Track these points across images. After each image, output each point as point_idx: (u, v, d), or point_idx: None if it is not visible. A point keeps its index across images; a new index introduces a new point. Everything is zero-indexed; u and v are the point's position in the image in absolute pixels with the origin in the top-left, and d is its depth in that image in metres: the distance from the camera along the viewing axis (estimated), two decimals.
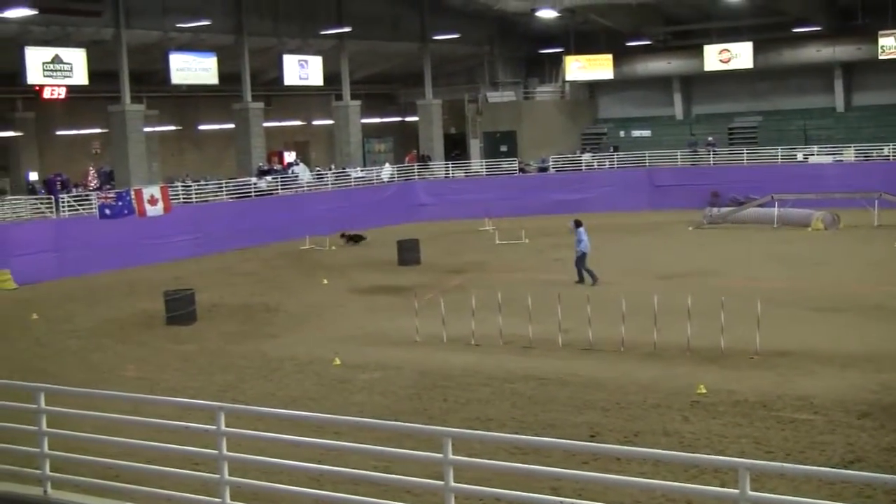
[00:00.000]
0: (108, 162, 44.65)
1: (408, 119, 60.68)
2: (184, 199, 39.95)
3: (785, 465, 9.45)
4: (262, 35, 44.49)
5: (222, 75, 42.72)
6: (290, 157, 53.03)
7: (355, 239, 39.70)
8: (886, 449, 13.72)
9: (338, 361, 20.12)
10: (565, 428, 15.16)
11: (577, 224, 28.46)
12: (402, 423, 13.31)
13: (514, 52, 57.44)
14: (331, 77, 48.27)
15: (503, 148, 54.69)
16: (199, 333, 24.00)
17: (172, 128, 50.49)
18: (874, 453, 13.59)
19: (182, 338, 23.55)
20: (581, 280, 27.97)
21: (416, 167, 51.11)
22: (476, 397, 17.18)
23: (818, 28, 49.65)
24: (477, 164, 53.07)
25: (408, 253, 34.10)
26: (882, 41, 47.04)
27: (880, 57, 47.51)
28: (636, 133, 55.96)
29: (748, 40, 50.26)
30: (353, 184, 47.35)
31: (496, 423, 15.59)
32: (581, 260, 28.20)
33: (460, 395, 17.38)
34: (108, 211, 34.40)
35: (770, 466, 9.50)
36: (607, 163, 51.62)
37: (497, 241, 38.12)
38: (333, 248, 38.51)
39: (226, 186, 42.30)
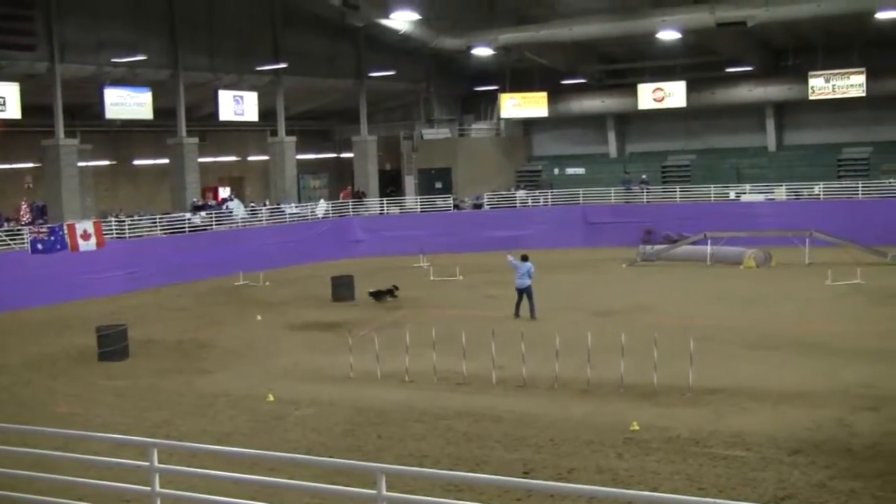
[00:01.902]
0: (40, 196, 44.17)
1: (343, 155, 60.73)
2: (117, 234, 39.57)
3: (717, 500, 9.51)
4: (197, 70, 44.35)
5: (157, 110, 42.51)
6: (224, 192, 52.77)
7: (382, 294, 33.38)
8: (817, 485, 13.85)
9: (271, 397, 19.99)
10: (499, 464, 15.15)
11: (521, 259, 28.89)
12: (336, 460, 13.23)
13: (450, 89, 57.77)
14: (266, 113, 48.22)
15: (438, 185, 54.86)
16: (131, 369, 23.73)
17: (106, 162, 50.11)
18: (805, 489, 13.71)
19: (114, 374, 23.26)
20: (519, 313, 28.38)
21: (350, 203, 51.09)
22: (410, 433, 17.13)
23: (750, 68, 50.51)
24: (412, 200, 53.18)
25: (342, 289, 34.00)
26: (812, 82, 47.94)
27: (810, 97, 48.41)
28: (570, 171, 56.38)
29: (682, 79, 50.99)
30: (287, 220, 47.21)
31: (430, 459, 15.55)
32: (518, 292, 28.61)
33: (394, 431, 17.31)
34: (40, 246, 33.91)
35: (702, 503, 9.56)
36: (542, 200, 51.91)
37: (432, 278, 38.16)
38: (267, 283, 38.29)
39: (160, 222, 41.98)
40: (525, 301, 28.60)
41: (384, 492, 8.86)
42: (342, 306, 32.58)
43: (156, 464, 9.75)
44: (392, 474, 9.50)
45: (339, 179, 59.58)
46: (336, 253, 46.27)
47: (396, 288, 33.52)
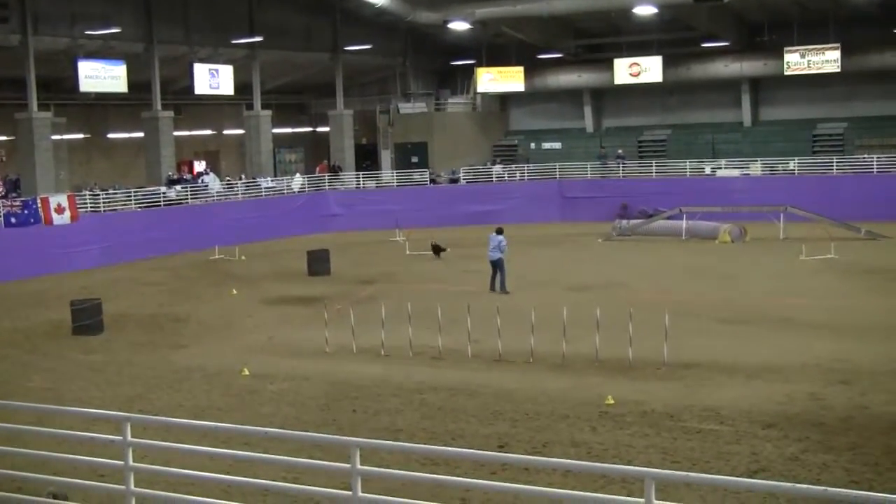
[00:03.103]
0: (14, 170, 43.89)
1: (319, 129, 60.51)
2: (91, 207, 39.38)
3: (690, 474, 9.54)
4: (172, 43, 44.04)
5: (132, 83, 42.19)
6: (200, 166, 52.57)
7: (437, 250, 37.18)
8: (790, 458, 13.96)
9: (246, 372, 19.97)
10: (474, 438, 15.20)
11: (496, 231, 28.89)
12: (311, 434, 13.23)
13: (427, 63, 57.62)
14: (242, 86, 47.94)
15: (414, 159, 54.77)
16: (106, 344, 23.66)
17: (81, 136, 49.76)
18: (778, 462, 13.81)
19: (89, 348, 23.19)
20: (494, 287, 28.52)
21: (326, 177, 50.95)
22: (385, 408, 17.15)
23: (726, 44, 50.48)
24: (388, 174, 53.05)
25: (318, 263, 33.94)
26: (787, 57, 48.01)
27: (786, 73, 48.49)
28: (547, 145, 56.38)
29: (658, 54, 50.92)
30: (263, 194, 47.08)
31: (406, 433, 15.57)
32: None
33: (370, 405, 17.33)
34: (13, 220, 33.81)
35: (675, 476, 9.59)
36: (518, 174, 51.94)
37: (408, 252, 38.13)
38: (243, 257, 38.19)
39: (134, 196, 41.76)
40: (498, 275, 28.65)
41: (358, 466, 8.87)
42: (318, 280, 32.53)
43: (129, 438, 9.72)
44: (366, 448, 9.50)
45: (315, 153, 59.38)
46: (312, 227, 46.18)
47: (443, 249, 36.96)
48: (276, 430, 13.26)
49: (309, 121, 62.41)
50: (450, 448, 13.40)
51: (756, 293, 27.76)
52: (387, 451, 12.60)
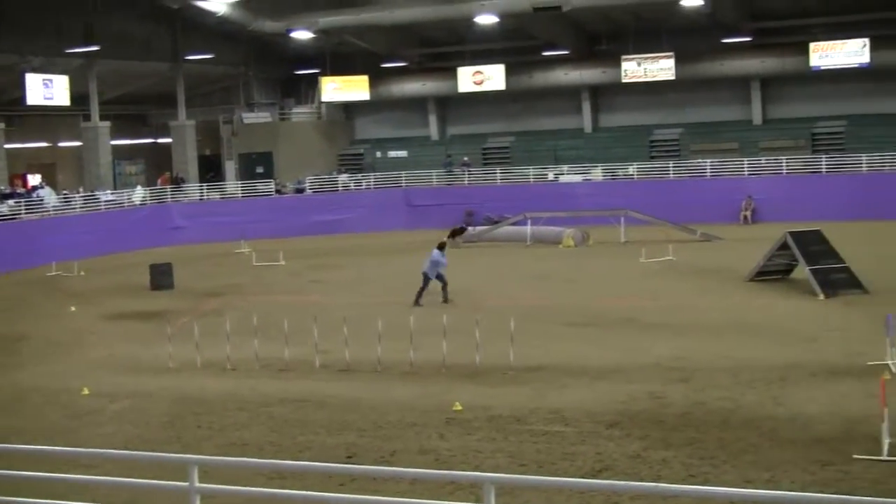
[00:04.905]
0: None
1: (160, 140, 59.46)
2: None
3: (528, 477, 9.65)
4: (2, 52, 42.66)
5: None
6: (34, 180, 51.09)
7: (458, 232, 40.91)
8: (632, 456, 14.20)
9: (86, 391, 19.42)
10: (322, 450, 15.08)
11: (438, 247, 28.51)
12: (147, 453, 12.92)
13: (270, 72, 57.18)
14: (79, 97, 46.74)
15: (259, 169, 54.32)
16: None
17: None
18: (621, 461, 14.04)
19: None
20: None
21: (169, 189, 50.10)
22: (232, 422, 16.90)
23: (566, 52, 51.42)
24: (233, 185, 52.49)
25: (161, 277, 33.25)
26: (624, 65, 49.12)
27: (623, 80, 49.60)
28: (392, 154, 56.50)
29: (500, 63, 51.50)
30: (102, 207, 46.00)
31: (252, 447, 15.36)
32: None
33: (215, 420, 17.06)
34: None
35: (515, 479, 9.70)
36: (364, 183, 51.93)
37: (254, 264, 37.74)
38: (82, 273, 37.23)
39: None
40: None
41: (197, 483, 8.69)
42: (161, 295, 31.89)
43: None
44: (206, 465, 9.32)
45: (157, 165, 58.28)
46: (155, 240, 45.26)
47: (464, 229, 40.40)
48: (112, 450, 12.92)
49: (150, 132, 61.26)
50: (295, 462, 13.24)
51: (599, 296, 28.25)
52: (225, 467, 12.36)
